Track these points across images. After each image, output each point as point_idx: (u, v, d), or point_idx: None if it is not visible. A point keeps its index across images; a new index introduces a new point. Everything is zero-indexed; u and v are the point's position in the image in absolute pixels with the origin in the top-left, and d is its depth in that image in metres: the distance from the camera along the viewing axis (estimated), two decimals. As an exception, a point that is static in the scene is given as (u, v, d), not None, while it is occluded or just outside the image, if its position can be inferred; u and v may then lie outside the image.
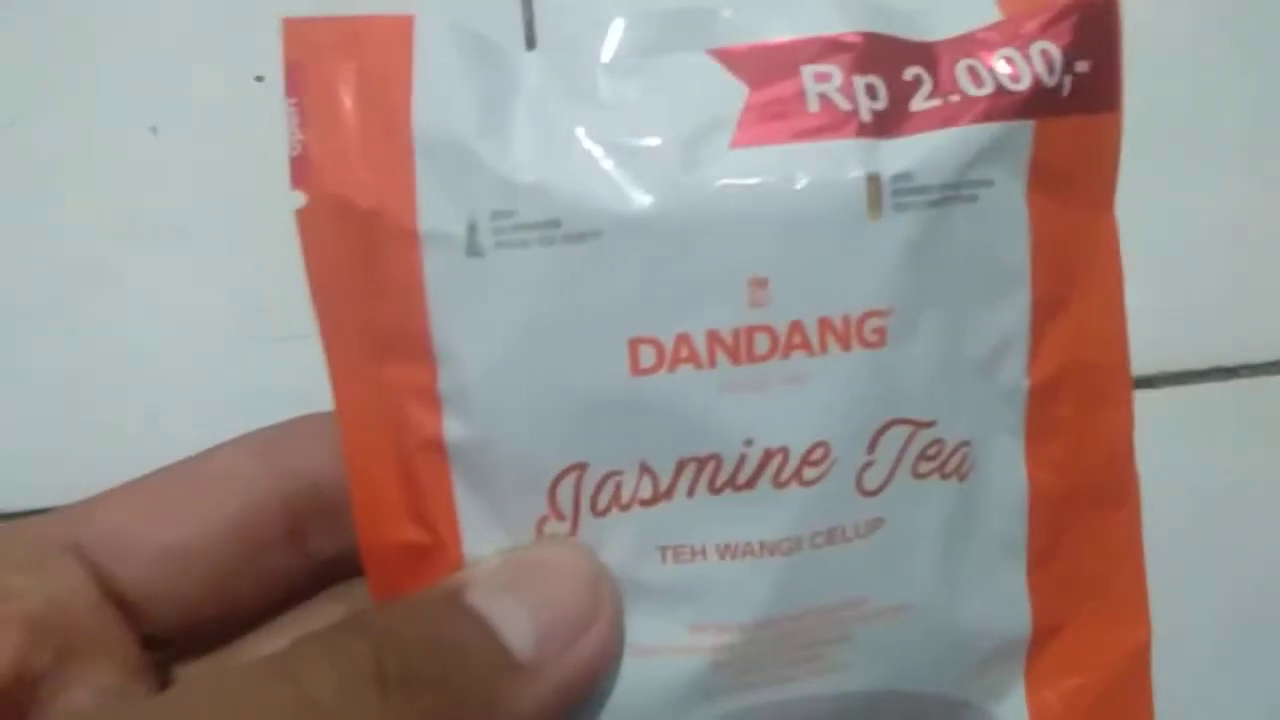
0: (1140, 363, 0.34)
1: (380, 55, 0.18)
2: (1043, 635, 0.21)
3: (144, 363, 0.34)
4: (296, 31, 0.18)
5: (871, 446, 0.19)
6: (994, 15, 0.19)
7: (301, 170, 0.18)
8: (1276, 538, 0.34)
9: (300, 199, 0.18)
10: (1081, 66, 0.19)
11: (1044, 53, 0.19)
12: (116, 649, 0.19)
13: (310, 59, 0.18)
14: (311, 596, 0.21)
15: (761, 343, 0.18)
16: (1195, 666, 0.33)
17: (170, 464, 0.21)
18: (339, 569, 0.21)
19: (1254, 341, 0.34)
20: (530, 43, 0.35)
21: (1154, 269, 0.34)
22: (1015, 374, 0.20)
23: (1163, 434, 0.33)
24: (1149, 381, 0.34)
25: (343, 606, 0.21)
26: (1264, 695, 0.34)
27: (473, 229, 0.18)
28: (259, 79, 0.34)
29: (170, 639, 0.20)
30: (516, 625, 0.18)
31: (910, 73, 0.19)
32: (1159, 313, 0.34)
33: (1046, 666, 0.21)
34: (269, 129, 0.19)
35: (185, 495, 0.20)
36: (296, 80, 0.18)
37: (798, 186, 0.18)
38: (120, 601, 0.19)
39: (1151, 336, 0.34)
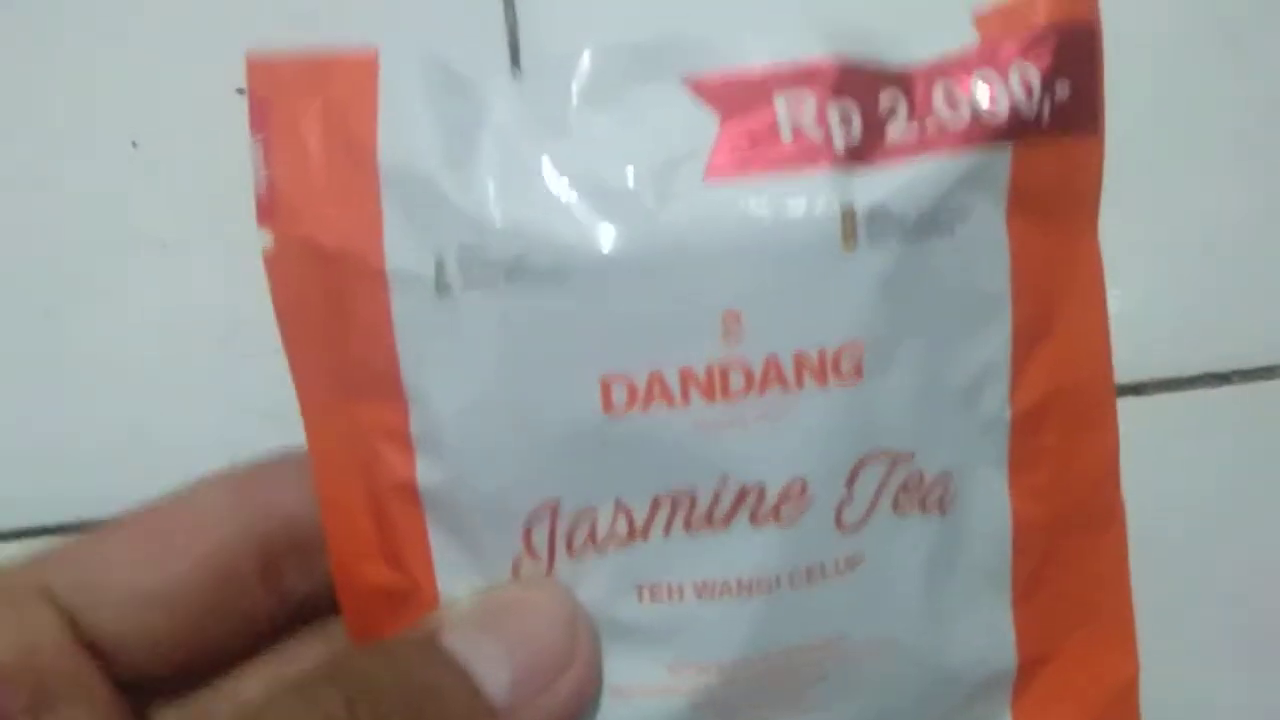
0: (1131, 369, 0.34)
1: (345, 90, 0.18)
2: (1029, 667, 0.21)
3: (129, 376, 0.34)
4: (261, 67, 0.18)
5: (850, 481, 0.18)
6: (971, 37, 0.19)
7: (267, 208, 0.18)
8: (1270, 544, 0.34)
9: (267, 237, 0.18)
10: (1061, 90, 0.19)
11: (1022, 77, 0.19)
12: (91, 694, 0.19)
13: (275, 95, 0.18)
14: (288, 635, 0.21)
15: (736, 379, 0.18)
16: (1188, 675, 0.33)
17: (142, 506, 0.20)
18: (314, 607, 0.21)
19: (1246, 347, 0.34)
20: (515, 56, 0.35)
21: (1144, 275, 0.34)
22: (997, 403, 0.20)
23: (1154, 441, 0.33)
24: (1139, 388, 0.34)
25: (319, 645, 0.21)
26: (1259, 702, 0.34)
27: (440, 268, 0.17)
28: (240, 91, 0.34)
29: (146, 682, 0.20)
30: (492, 668, 0.18)
31: (886, 98, 0.18)
32: (1149, 319, 0.34)
33: (1033, 699, 0.21)
34: (250, 142, 0.19)
35: (158, 538, 0.20)
36: (261, 116, 0.18)
37: (771, 220, 0.17)
38: (94, 646, 0.19)
39: (1142, 343, 0.34)
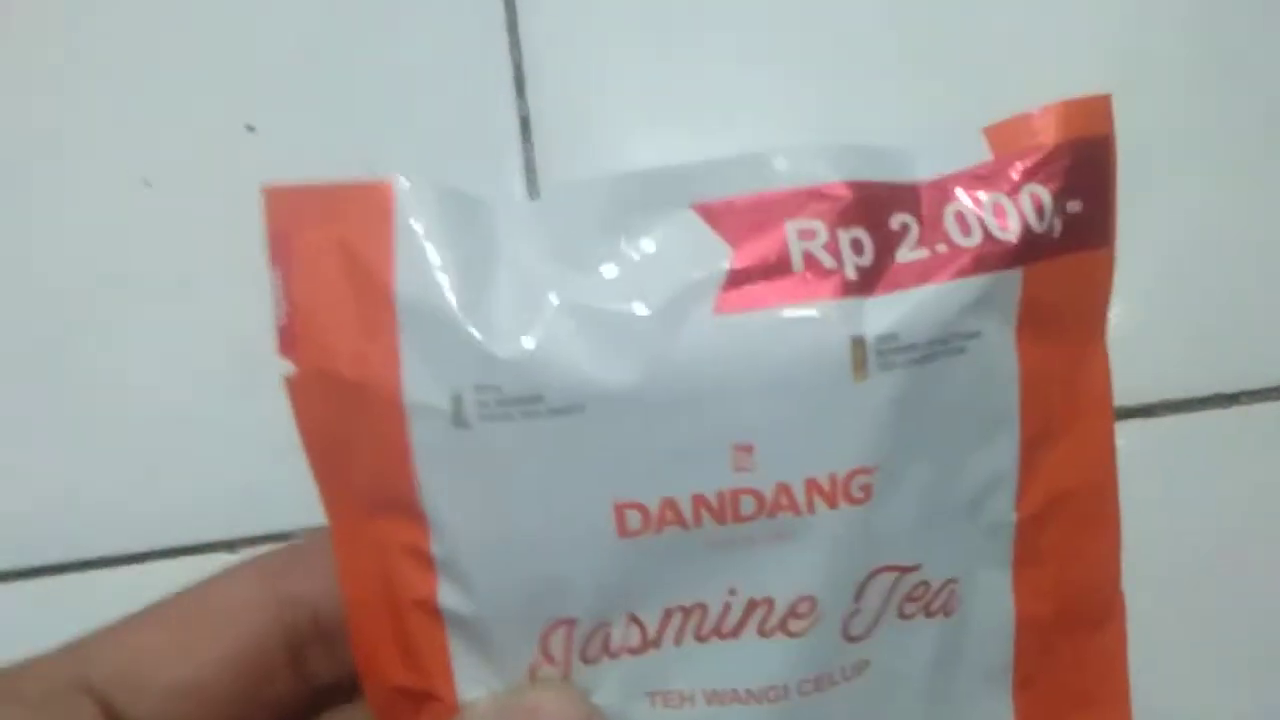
0: (1141, 391, 0.35)
1: (361, 223, 0.18)
2: None
3: (142, 414, 0.34)
4: (278, 200, 0.18)
5: (857, 596, 0.19)
6: (984, 154, 0.19)
7: (288, 340, 0.18)
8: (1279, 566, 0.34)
9: (289, 365, 0.18)
10: (1073, 207, 0.19)
11: (1034, 197, 0.19)
12: None
13: (292, 228, 0.18)
14: (312, 719, 0.22)
15: (747, 504, 0.18)
16: (1195, 693, 0.34)
17: (173, 594, 0.21)
18: (340, 691, 0.21)
19: (1255, 368, 0.34)
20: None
21: (1154, 296, 0.34)
22: (1003, 509, 0.20)
23: (1164, 462, 0.33)
24: (1149, 410, 0.34)
25: None
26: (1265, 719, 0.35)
27: (458, 402, 0.18)
28: (250, 129, 0.34)
29: None
30: None
31: (897, 221, 0.19)
32: (1159, 340, 0.34)
33: None
34: (262, 178, 0.19)
35: (191, 628, 0.21)
36: (279, 250, 0.18)
37: (782, 352, 0.18)
38: None
39: (1152, 364, 0.34)
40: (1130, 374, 0.33)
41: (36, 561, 0.33)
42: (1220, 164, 0.35)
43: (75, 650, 0.20)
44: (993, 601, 0.20)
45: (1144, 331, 0.34)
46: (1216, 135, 0.35)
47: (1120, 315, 0.34)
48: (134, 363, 0.34)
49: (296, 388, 0.18)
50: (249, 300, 0.33)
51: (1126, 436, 0.33)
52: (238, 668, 0.20)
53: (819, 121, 0.35)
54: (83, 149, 0.35)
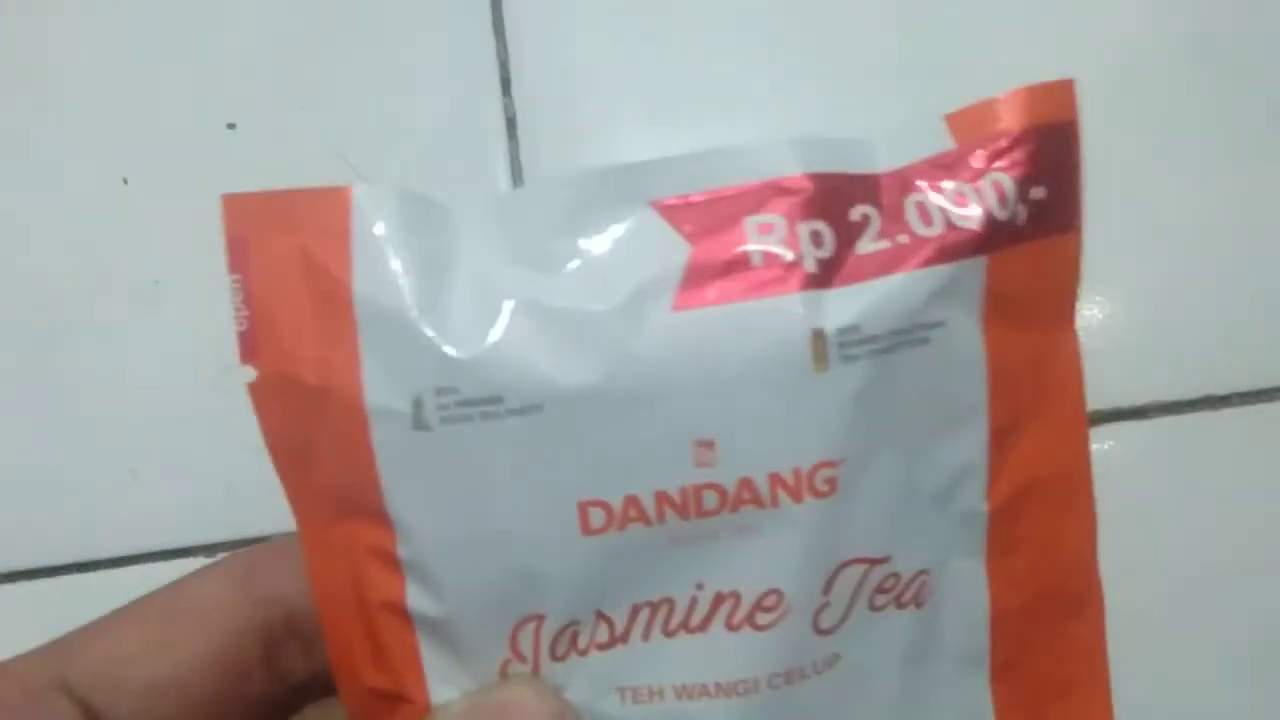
0: (1131, 393, 0.34)
1: (319, 229, 0.18)
2: None
3: (122, 413, 0.34)
4: (236, 207, 0.18)
5: (826, 589, 0.19)
6: (946, 142, 0.19)
7: (249, 346, 0.18)
8: (1272, 566, 0.34)
9: (250, 371, 0.18)
10: (1037, 193, 0.19)
11: (996, 184, 0.18)
12: None
13: (251, 235, 0.18)
14: (289, 717, 0.22)
15: (710, 499, 0.18)
16: (1189, 694, 0.34)
17: (149, 594, 0.21)
18: (314, 688, 0.22)
19: (1244, 370, 0.34)
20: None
21: (1144, 298, 0.34)
22: (974, 500, 0.20)
23: (1155, 464, 0.33)
24: (1140, 412, 0.34)
25: None
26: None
27: (418, 405, 0.18)
28: (231, 127, 0.34)
29: None
30: None
31: (857, 213, 0.18)
32: (1150, 342, 0.34)
33: None
34: (242, 177, 0.19)
35: (168, 627, 0.21)
36: (238, 258, 0.18)
37: (742, 347, 0.18)
38: None
39: (1142, 366, 0.34)
40: (1121, 376, 0.33)
41: (20, 565, 0.34)
42: (1214, 166, 0.35)
43: (52, 651, 0.21)
44: (967, 592, 0.20)
45: (1135, 333, 0.34)
46: (1211, 136, 0.35)
47: (1111, 317, 0.35)
48: (111, 363, 0.34)
49: (258, 393, 0.18)
50: (227, 300, 0.33)
51: (1117, 438, 0.33)
52: (214, 666, 0.21)
53: (807, 118, 0.35)
54: (60, 147, 0.35)
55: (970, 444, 0.20)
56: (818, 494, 0.18)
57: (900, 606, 0.20)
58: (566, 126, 0.35)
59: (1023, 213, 0.19)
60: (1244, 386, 0.34)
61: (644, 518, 0.18)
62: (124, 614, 0.21)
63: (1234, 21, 0.35)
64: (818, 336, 0.18)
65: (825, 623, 0.19)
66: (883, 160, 0.19)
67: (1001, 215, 0.18)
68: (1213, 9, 0.35)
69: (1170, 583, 0.33)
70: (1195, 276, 0.34)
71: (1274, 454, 0.34)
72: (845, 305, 0.18)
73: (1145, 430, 0.33)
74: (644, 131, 0.35)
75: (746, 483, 0.18)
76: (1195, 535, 0.34)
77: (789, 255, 0.18)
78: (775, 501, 0.18)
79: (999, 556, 0.20)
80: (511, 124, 0.35)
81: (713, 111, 0.35)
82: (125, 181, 0.34)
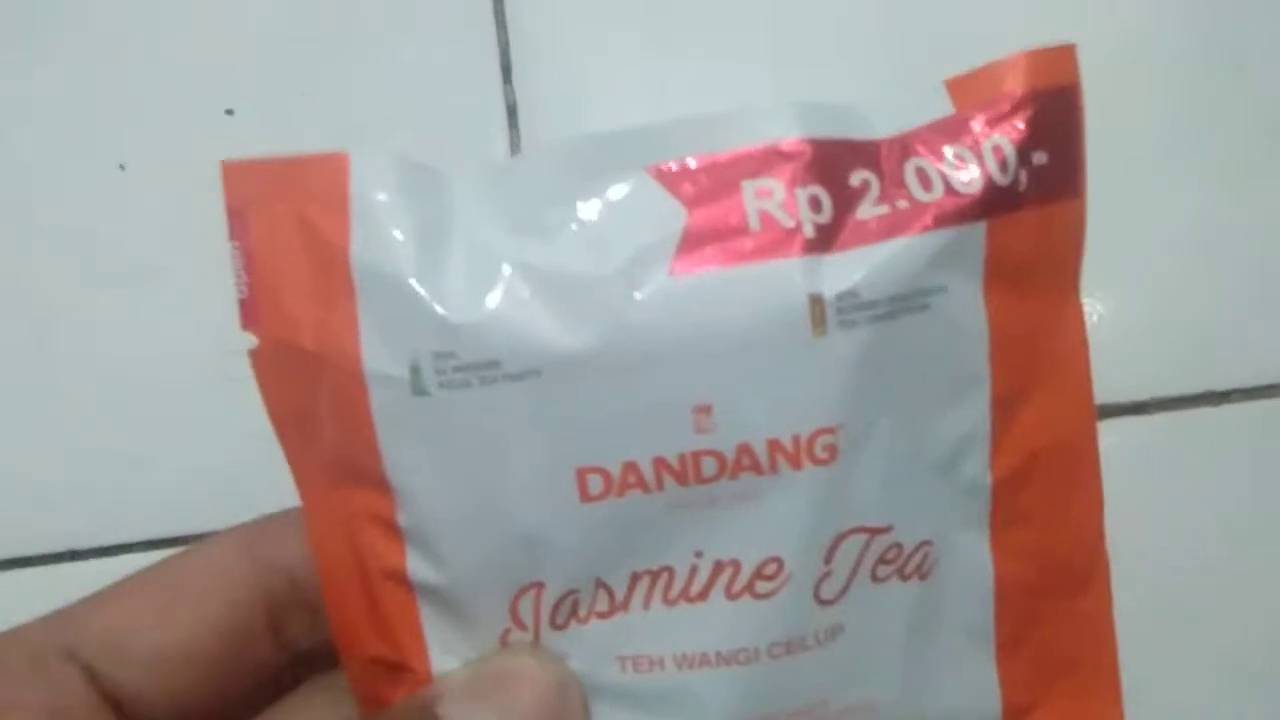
0: (1132, 388, 0.34)
1: (318, 194, 0.18)
2: (1014, 716, 0.21)
3: (122, 402, 0.34)
4: (235, 175, 0.18)
5: (827, 558, 0.19)
6: (946, 107, 0.19)
7: (249, 313, 0.18)
8: (1273, 561, 0.33)
9: (251, 339, 0.18)
10: (1039, 158, 0.19)
11: (997, 149, 0.18)
12: None
13: (250, 203, 0.18)
14: (294, 687, 0.22)
15: (709, 465, 0.18)
16: (1189, 691, 0.33)
17: (154, 564, 0.21)
18: (320, 658, 0.22)
19: (1246, 365, 0.34)
20: (507, 73, 0.35)
21: (1145, 294, 0.34)
22: (977, 470, 0.20)
23: (1155, 460, 0.33)
24: (1141, 407, 0.33)
25: (325, 696, 0.22)
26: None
27: (416, 371, 0.18)
28: (229, 113, 0.34)
29: None
30: None
31: (857, 178, 0.18)
32: (1151, 338, 0.34)
33: None
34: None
35: (173, 596, 0.21)
36: (238, 225, 0.18)
37: (739, 312, 0.18)
38: (117, 705, 0.20)
39: (1143, 362, 0.34)
40: (1122, 371, 0.33)
41: (19, 553, 0.33)
42: (1215, 163, 0.34)
43: (60, 619, 0.21)
44: (971, 564, 0.20)
45: (1136, 329, 0.34)
46: (1212, 134, 0.34)
47: (1113, 313, 0.34)
48: (107, 349, 0.34)
49: (259, 360, 0.18)
50: (226, 285, 0.33)
51: (1119, 433, 0.33)
52: (218, 633, 0.21)
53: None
54: (57, 132, 0.34)
55: (972, 413, 0.19)
56: (817, 461, 0.18)
57: (904, 578, 0.20)
58: (567, 114, 0.35)
59: (1024, 178, 0.19)
60: (1246, 382, 0.34)
61: (643, 484, 0.18)
62: (129, 583, 0.21)
63: (1237, 17, 0.35)
64: (816, 302, 0.18)
65: (827, 593, 0.19)
66: (882, 125, 0.19)
67: (1002, 180, 0.18)
68: (1217, 6, 0.35)
69: (1172, 579, 0.33)
70: (1197, 271, 0.34)
71: (1276, 450, 0.33)
72: (844, 270, 0.18)
73: (1146, 426, 0.33)
74: (645, 119, 0.35)
75: (745, 449, 0.18)
76: (1196, 531, 0.33)
77: (788, 220, 0.18)
78: (775, 468, 0.18)
79: (1003, 529, 0.20)
80: (512, 112, 0.35)
81: (715, 98, 0.35)
82: (122, 167, 0.34)
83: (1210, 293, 0.34)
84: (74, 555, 0.33)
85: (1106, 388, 0.33)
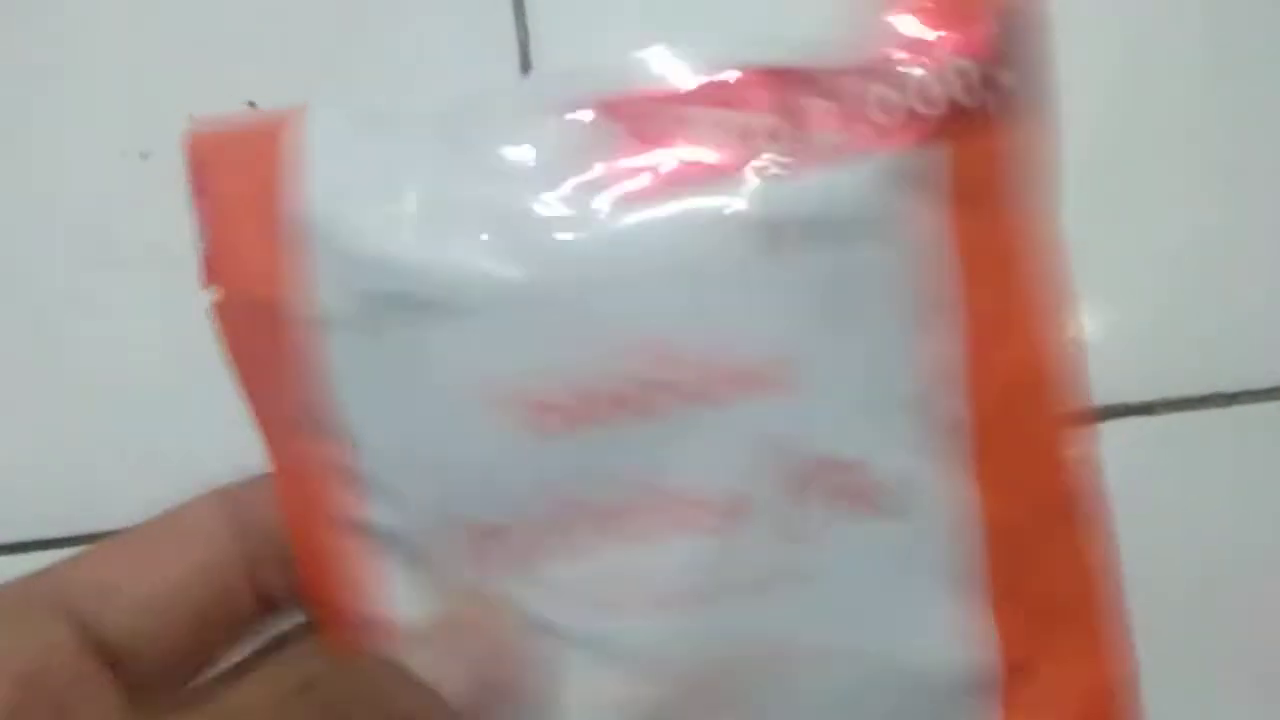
0: (1139, 389, 0.33)
1: (274, 148, 0.18)
2: (1017, 670, 0.20)
3: (138, 388, 0.34)
4: (198, 136, 0.19)
5: (790, 493, 0.18)
6: (906, 32, 0.18)
7: (211, 269, 0.19)
8: (1278, 566, 0.32)
9: (213, 292, 0.19)
10: (1005, 78, 0.18)
11: (960, 71, 0.18)
12: (106, 700, 0.20)
13: (210, 160, 0.19)
14: (272, 640, 0.22)
15: (663, 397, 0.18)
16: (1195, 693, 0.32)
17: (139, 523, 0.22)
18: (298, 611, 0.22)
19: (1254, 368, 0.33)
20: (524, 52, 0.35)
21: (1152, 294, 0.33)
22: (954, 404, 0.19)
23: (1163, 461, 0.32)
24: (1148, 409, 0.33)
25: (298, 649, 0.22)
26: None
27: (368, 314, 0.18)
28: (251, 104, 0.35)
29: (147, 685, 0.21)
30: (456, 684, 0.18)
31: (815, 104, 0.18)
32: (1158, 339, 0.33)
33: (1025, 700, 0.20)
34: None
35: (158, 548, 0.21)
36: (199, 184, 0.19)
37: (689, 240, 0.17)
38: (104, 653, 0.21)
39: (1151, 363, 0.33)
40: (1129, 372, 0.32)
41: (30, 536, 0.34)
42: (1220, 162, 0.34)
43: (49, 572, 0.21)
44: (954, 503, 0.19)
45: (1143, 330, 0.33)
46: (1216, 134, 0.34)
47: (1119, 313, 0.33)
48: (131, 337, 0.34)
49: (220, 313, 0.19)
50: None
51: (1125, 435, 0.32)
52: (199, 585, 0.21)
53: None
54: (80, 120, 0.35)
55: (946, 343, 0.19)
56: (773, 390, 0.18)
57: (879, 516, 0.19)
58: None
59: (990, 99, 0.18)
60: (1254, 384, 0.33)
61: (596, 418, 0.18)
62: (115, 538, 0.22)
63: (1238, 19, 0.34)
64: (770, 226, 0.17)
65: (793, 529, 0.18)
66: (842, 51, 0.18)
67: (967, 101, 0.18)
68: (1220, 7, 0.34)
69: (1179, 581, 0.32)
70: (1206, 272, 0.33)
71: (1284, 452, 0.32)
72: (798, 194, 0.18)
73: (1153, 427, 0.32)
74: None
75: (698, 379, 0.18)
76: (1203, 533, 0.33)
77: (739, 148, 0.18)
78: (730, 398, 0.18)
79: (987, 467, 0.19)
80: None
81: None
82: (144, 156, 0.35)
83: (1218, 294, 0.33)
84: (90, 538, 0.33)
85: (1113, 388, 0.33)
